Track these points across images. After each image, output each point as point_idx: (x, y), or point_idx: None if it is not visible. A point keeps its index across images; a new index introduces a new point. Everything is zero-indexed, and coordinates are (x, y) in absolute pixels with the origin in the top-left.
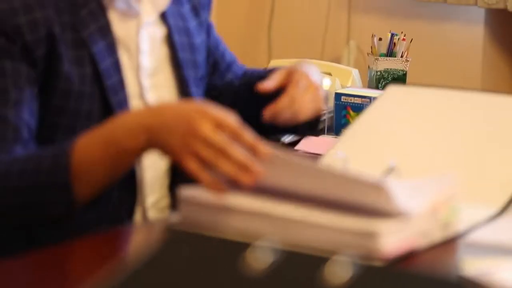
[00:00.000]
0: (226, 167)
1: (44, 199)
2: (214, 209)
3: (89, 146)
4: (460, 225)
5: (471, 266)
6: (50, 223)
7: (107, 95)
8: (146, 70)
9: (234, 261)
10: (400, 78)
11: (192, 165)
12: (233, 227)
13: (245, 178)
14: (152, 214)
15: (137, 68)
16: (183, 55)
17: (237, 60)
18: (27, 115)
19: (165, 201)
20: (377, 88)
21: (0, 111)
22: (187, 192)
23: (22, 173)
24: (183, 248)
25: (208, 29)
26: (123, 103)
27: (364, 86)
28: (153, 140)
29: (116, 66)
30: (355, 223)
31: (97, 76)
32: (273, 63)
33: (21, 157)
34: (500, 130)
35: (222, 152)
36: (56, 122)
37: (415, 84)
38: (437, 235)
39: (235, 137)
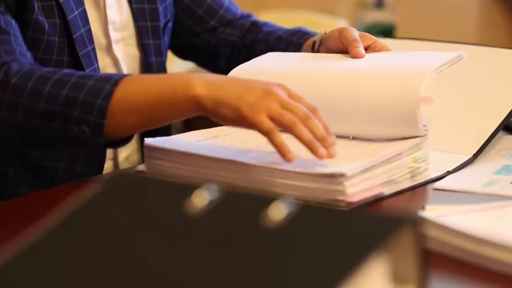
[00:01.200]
0: (305, 133)
1: (74, 130)
2: (178, 156)
3: (136, 96)
4: (428, 173)
5: (432, 210)
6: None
7: (75, 47)
8: (114, 24)
9: (180, 202)
10: (388, 31)
11: (266, 123)
12: (196, 174)
13: (320, 151)
14: (124, 167)
15: (105, 21)
16: (137, 4)
17: (233, 8)
18: (18, 33)
19: (138, 155)
20: None
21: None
22: (151, 139)
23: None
24: (123, 191)
25: None
26: (91, 55)
27: None
28: (219, 95)
29: (84, 18)
30: (321, 168)
31: (66, 27)
32: (267, 16)
33: (69, 76)
34: (483, 81)
35: (302, 119)
36: None
37: (403, 37)
38: (405, 182)
39: (312, 112)
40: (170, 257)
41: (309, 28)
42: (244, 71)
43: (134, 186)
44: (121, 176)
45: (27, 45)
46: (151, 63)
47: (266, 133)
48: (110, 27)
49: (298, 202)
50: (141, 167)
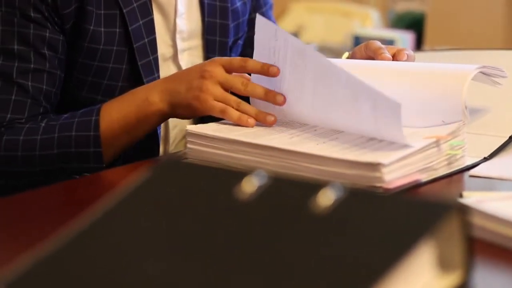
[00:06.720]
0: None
1: (76, 166)
2: (220, 142)
3: (112, 118)
4: (465, 159)
5: (470, 197)
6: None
7: (135, 57)
8: (181, 33)
9: (229, 188)
10: (418, 20)
11: (217, 107)
12: (237, 160)
13: (250, 121)
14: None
15: (174, 31)
16: (209, 18)
17: None
18: (46, 83)
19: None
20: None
21: (21, 80)
22: (194, 126)
23: (54, 142)
24: (173, 176)
25: (256, 2)
26: (152, 65)
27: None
28: (172, 99)
29: (149, 28)
30: (359, 155)
31: (127, 37)
32: (298, 6)
33: (53, 126)
34: None
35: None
36: (81, 78)
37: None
38: (442, 169)
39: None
40: (221, 242)
41: (340, 17)
42: None
43: (183, 172)
44: (170, 162)
45: (82, 54)
46: None
47: (221, 114)
48: (178, 36)
49: (345, 188)
50: (183, 154)
